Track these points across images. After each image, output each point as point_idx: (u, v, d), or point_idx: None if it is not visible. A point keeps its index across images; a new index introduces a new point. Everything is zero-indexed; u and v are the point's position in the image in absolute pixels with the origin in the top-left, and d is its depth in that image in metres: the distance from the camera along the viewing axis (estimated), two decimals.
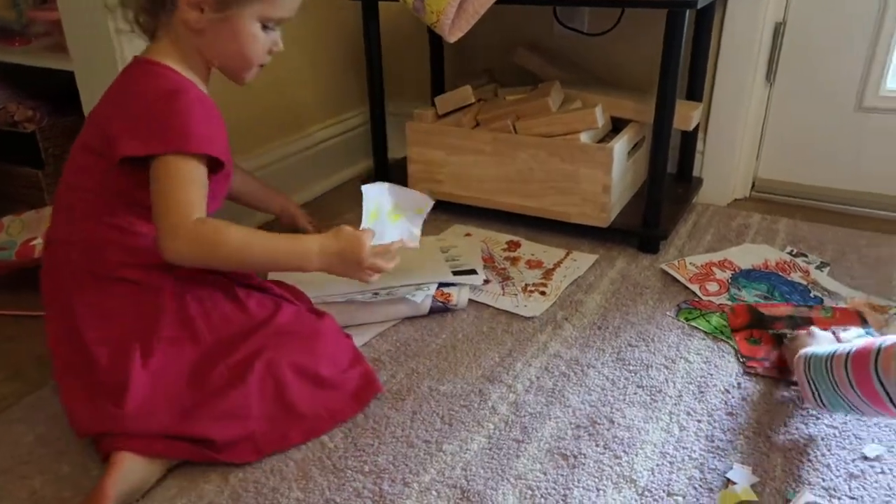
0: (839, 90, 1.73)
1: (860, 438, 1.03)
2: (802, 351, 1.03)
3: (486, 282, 1.47)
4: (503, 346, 1.27)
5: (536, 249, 1.63)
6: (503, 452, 1.02)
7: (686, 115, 1.65)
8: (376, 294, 1.31)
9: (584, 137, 1.58)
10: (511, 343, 1.28)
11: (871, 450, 1.00)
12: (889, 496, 0.92)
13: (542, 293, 1.43)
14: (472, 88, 1.75)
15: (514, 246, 1.64)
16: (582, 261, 1.57)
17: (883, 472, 0.96)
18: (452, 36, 1.49)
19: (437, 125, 1.74)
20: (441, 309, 1.34)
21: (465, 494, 0.94)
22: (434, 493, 0.94)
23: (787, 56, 1.76)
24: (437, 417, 1.09)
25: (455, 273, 1.42)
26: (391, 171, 1.91)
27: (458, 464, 1.00)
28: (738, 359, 1.21)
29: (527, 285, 1.46)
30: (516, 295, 1.43)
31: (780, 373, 1.17)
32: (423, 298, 1.32)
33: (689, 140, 1.83)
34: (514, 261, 1.57)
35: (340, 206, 1.92)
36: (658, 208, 1.57)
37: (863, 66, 1.68)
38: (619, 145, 1.57)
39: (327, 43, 1.98)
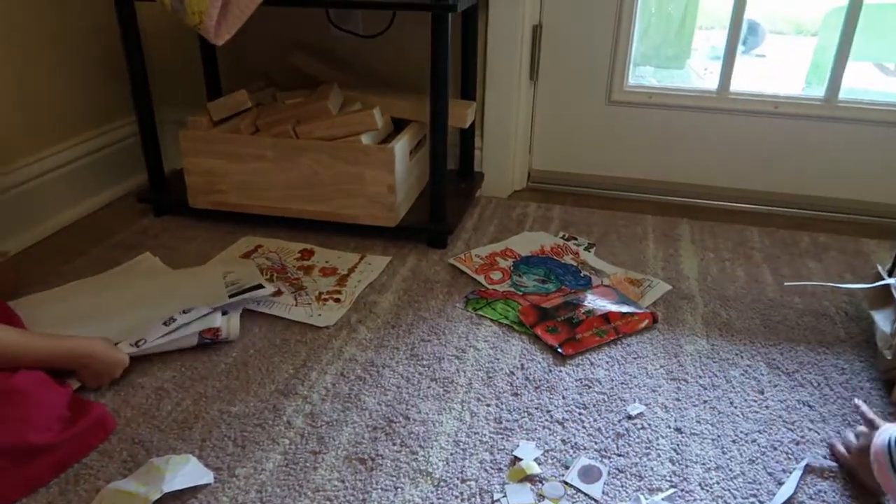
0: (592, 86, 1.91)
1: (624, 400, 1.14)
2: (879, 440, 0.87)
3: (278, 293, 1.43)
4: (297, 357, 1.24)
5: (330, 256, 1.61)
6: (300, 467, 0.99)
7: (461, 114, 1.72)
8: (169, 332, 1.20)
9: (365, 139, 1.59)
10: (305, 353, 1.26)
11: (633, 409, 1.12)
12: (648, 448, 1.04)
13: (337, 300, 1.42)
14: (248, 93, 1.68)
15: (307, 254, 1.61)
16: (376, 263, 1.58)
17: (643, 428, 1.08)
18: (219, 38, 1.42)
19: (213, 132, 1.66)
20: (209, 344, 1.26)
21: None
22: None
23: (546, 56, 1.91)
24: (229, 441, 1.04)
25: (238, 293, 1.34)
26: (168, 184, 1.79)
27: (252, 487, 0.96)
28: (554, 352, 1.28)
29: (321, 294, 1.44)
30: (310, 304, 1.40)
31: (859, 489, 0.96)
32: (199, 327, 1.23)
33: (467, 137, 1.92)
34: (307, 270, 1.54)
35: (112, 226, 1.76)
36: (442, 204, 1.63)
37: (608, 63, 1.87)
38: (400, 145, 1.60)
39: (85, 45, 1.79)
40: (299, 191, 1.64)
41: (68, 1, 1.73)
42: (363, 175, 1.59)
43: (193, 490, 0.94)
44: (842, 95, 1.78)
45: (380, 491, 0.95)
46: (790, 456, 1.03)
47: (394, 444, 1.04)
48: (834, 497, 0.95)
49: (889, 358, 1.18)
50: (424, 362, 1.24)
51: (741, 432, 1.07)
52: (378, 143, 1.61)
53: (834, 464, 1.01)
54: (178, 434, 1.05)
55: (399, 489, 0.96)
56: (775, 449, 1.04)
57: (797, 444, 1.05)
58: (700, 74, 2.47)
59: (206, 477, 0.95)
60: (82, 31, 1.78)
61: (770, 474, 0.99)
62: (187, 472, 0.94)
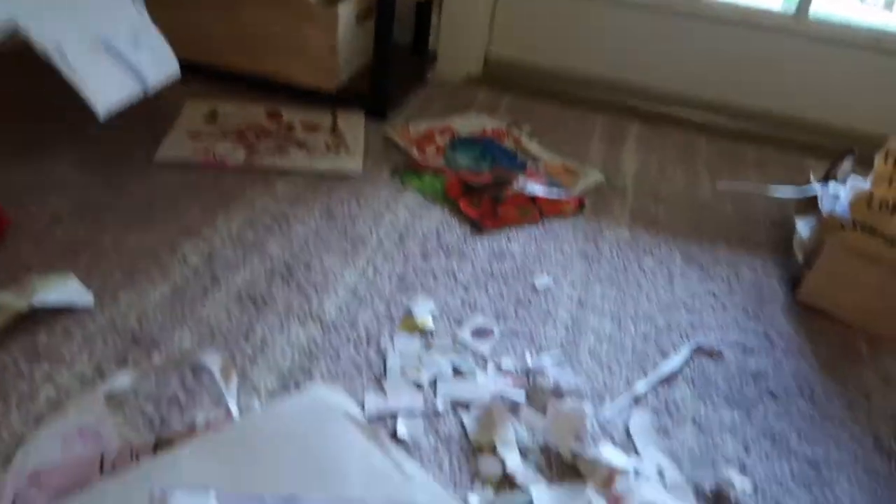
0: None
1: (533, 273, 1.13)
2: None
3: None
4: (206, 203, 1.20)
5: (301, 114, 1.54)
6: (187, 300, 0.97)
7: None
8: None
9: None
10: (216, 199, 1.21)
11: (540, 281, 1.11)
12: (546, 316, 1.03)
13: (347, 149, 1.42)
14: None
15: (275, 116, 1.53)
16: (352, 120, 1.53)
17: (546, 299, 1.07)
18: None
19: None
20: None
21: (136, 339, 0.88)
22: (100, 340, 0.87)
23: None
24: (117, 269, 1.00)
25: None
26: None
27: (132, 313, 0.93)
28: (472, 226, 1.24)
29: (328, 144, 1.43)
30: (325, 155, 1.38)
31: None
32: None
33: (423, 13, 1.83)
34: (290, 128, 1.48)
35: None
36: (385, 71, 1.56)
37: None
38: (345, 7, 1.51)
39: None
40: (240, 44, 1.55)
41: None
42: (306, 34, 1.51)
43: (69, 311, 0.91)
44: (812, 14, 1.73)
45: (265, 327, 0.93)
46: (684, 337, 1.03)
47: (289, 289, 1.01)
48: (716, 375, 0.96)
49: (801, 261, 1.18)
50: (338, 220, 1.20)
51: (642, 312, 1.07)
52: (323, 3, 1.52)
53: (722, 345, 1.01)
54: (65, 257, 1.01)
55: (286, 328, 0.94)
56: (671, 329, 1.04)
57: (693, 327, 1.05)
58: None
59: (85, 298, 0.92)
60: None
61: (660, 350, 0.99)
62: (64, 290, 0.91)
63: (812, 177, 1.36)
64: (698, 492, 0.77)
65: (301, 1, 1.49)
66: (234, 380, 0.82)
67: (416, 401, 0.84)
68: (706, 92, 1.85)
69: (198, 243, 1.09)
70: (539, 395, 0.88)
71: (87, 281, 0.96)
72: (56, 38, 1.08)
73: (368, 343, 0.93)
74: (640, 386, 0.91)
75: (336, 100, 1.59)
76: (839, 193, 1.16)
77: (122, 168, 1.25)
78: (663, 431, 0.85)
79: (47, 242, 1.04)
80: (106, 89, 1.13)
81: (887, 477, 0.82)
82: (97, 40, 1.14)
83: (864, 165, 1.24)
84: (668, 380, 0.94)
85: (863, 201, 1.05)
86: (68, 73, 1.08)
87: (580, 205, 1.35)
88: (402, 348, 0.93)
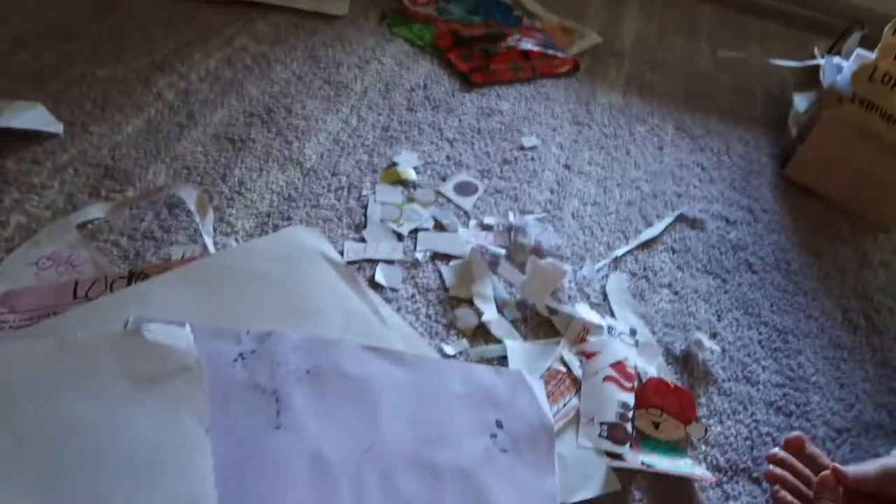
0: None
1: (521, 133, 1.10)
2: None
3: None
4: (182, 37, 1.12)
5: None
6: (162, 135, 0.93)
7: None
8: None
9: None
10: (192, 34, 1.14)
11: (528, 141, 1.08)
12: (532, 177, 1.01)
13: None
14: None
15: None
16: None
17: (532, 160, 1.05)
18: None
19: None
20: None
21: (109, 172, 0.85)
22: (71, 170, 0.84)
23: None
24: (88, 101, 0.95)
25: None
26: None
27: (105, 145, 0.89)
28: (461, 79, 1.19)
29: None
30: None
31: None
32: None
33: None
34: None
35: None
36: None
37: None
38: None
39: None
40: None
41: None
42: None
43: (38, 138, 0.87)
44: None
45: (244, 169, 0.90)
46: (668, 205, 1.02)
47: (269, 132, 0.97)
48: (696, 244, 0.96)
49: (794, 135, 1.15)
50: (322, 65, 1.14)
51: (628, 178, 1.06)
52: None
53: (705, 216, 1.01)
54: (31, 84, 0.95)
55: (265, 171, 0.91)
56: (656, 197, 1.03)
57: (679, 196, 1.04)
58: None
59: (54, 126, 0.88)
60: None
61: (643, 217, 0.99)
62: (32, 116, 0.86)
63: (816, 51, 1.31)
64: (668, 352, 0.79)
65: None
66: (210, 215, 0.80)
67: (395, 250, 0.84)
68: None
69: (173, 79, 1.03)
70: (519, 252, 0.87)
71: (56, 111, 0.91)
72: None
73: (349, 192, 0.91)
74: (620, 250, 0.91)
75: None
76: (842, 66, 1.12)
77: None
78: (639, 295, 0.86)
79: (11, 67, 0.97)
80: None
81: (850, 349, 0.85)
82: None
83: (871, 45, 1.19)
84: (649, 245, 0.94)
85: (865, 73, 1.01)
86: None
87: (575, 66, 1.29)
88: (383, 198, 0.91)
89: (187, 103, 0.99)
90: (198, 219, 0.78)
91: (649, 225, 0.98)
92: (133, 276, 0.71)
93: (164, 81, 1.02)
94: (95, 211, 0.79)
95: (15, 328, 0.64)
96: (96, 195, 0.82)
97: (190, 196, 0.80)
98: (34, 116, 0.86)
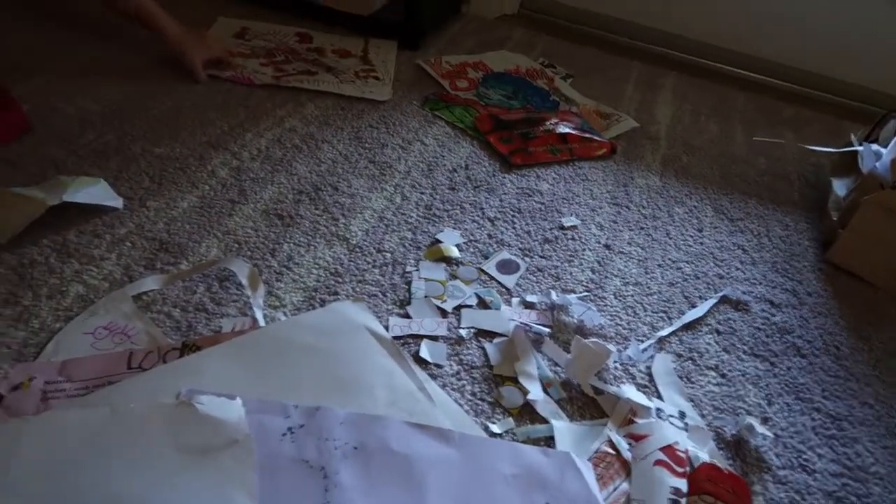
0: None
1: (561, 213, 1.11)
2: None
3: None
4: (235, 118, 1.18)
5: (332, 39, 1.51)
6: (215, 211, 0.96)
7: None
8: None
9: None
10: (244, 115, 1.19)
11: (567, 221, 1.09)
12: (572, 256, 1.02)
13: (376, 77, 1.37)
14: None
15: (306, 38, 1.50)
16: (385, 47, 1.50)
17: (573, 239, 1.06)
18: None
19: None
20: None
21: (164, 246, 0.88)
22: (129, 243, 0.87)
23: None
24: (146, 177, 1.00)
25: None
26: None
27: (161, 219, 0.92)
28: (501, 161, 1.23)
29: (357, 72, 1.38)
30: (353, 82, 1.34)
31: None
32: None
33: None
34: (320, 52, 1.45)
35: None
36: (423, 3, 1.52)
37: None
38: None
39: None
40: None
41: None
42: None
43: (99, 212, 0.90)
44: None
45: (292, 245, 0.93)
46: (710, 287, 1.02)
47: (316, 209, 1.00)
48: (741, 326, 0.95)
49: (835, 219, 1.15)
50: (367, 145, 1.18)
51: (669, 259, 1.06)
52: None
53: (748, 297, 1.00)
54: (95, 161, 1.00)
55: (312, 246, 0.93)
56: (697, 278, 1.03)
57: (721, 277, 1.04)
58: None
59: (115, 201, 0.92)
60: None
61: (686, 298, 0.98)
62: (94, 191, 0.90)
63: (853, 137, 1.33)
64: (719, 437, 0.77)
65: None
66: (261, 289, 0.82)
67: (439, 326, 0.84)
68: (745, 47, 1.80)
69: (226, 157, 1.08)
70: (563, 330, 0.87)
71: (116, 186, 0.95)
72: None
73: (394, 268, 0.93)
74: (664, 331, 0.90)
75: (368, 27, 1.55)
76: (881, 152, 1.13)
77: (150, 78, 1.23)
78: (686, 377, 0.85)
79: (78, 146, 1.03)
80: None
81: None
82: None
83: None
84: (692, 326, 0.93)
85: None
86: None
87: (612, 149, 1.32)
88: (427, 275, 0.92)
89: (239, 180, 1.03)
90: (249, 292, 0.80)
91: (692, 306, 0.97)
92: (186, 348, 0.72)
93: (217, 159, 1.06)
94: (150, 283, 0.81)
95: (71, 396, 0.65)
96: (151, 267, 0.84)
97: (242, 270, 0.82)
98: (97, 191, 0.90)
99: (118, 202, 0.92)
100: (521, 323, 0.86)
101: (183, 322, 0.78)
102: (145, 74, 1.23)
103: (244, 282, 0.81)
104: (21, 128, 1.01)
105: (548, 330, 0.86)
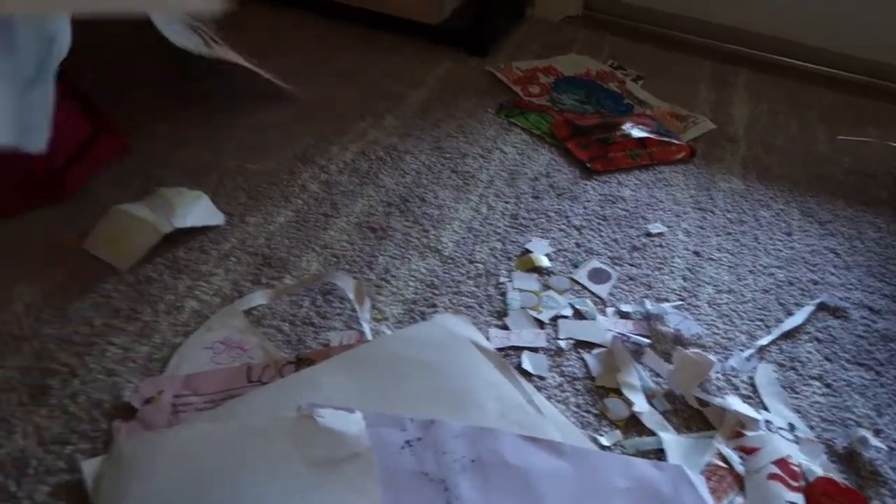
0: None
1: (646, 219, 1.11)
2: None
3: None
4: (319, 131, 1.21)
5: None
6: (310, 225, 0.98)
7: None
8: None
9: None
10: (328, 129, 1.22)
11: (654, 227, 1.09)
12: (662, 264, 1.01)
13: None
14: None
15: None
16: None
17: (661, 246, 1.05)
18: None
19: None
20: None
21: (267, 260, 0.91)
22: (233, 259, 0.90)
23: None
24: (243, 192, 1.03)
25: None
26: None
27: (261, 234, 0.95)
28: (581, 167, 1.23)
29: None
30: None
31: None
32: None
33: None
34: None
35: None
36: (491, 10, 1.52)
37: None
38: None
39: None
40: None
41: None
42: None
43: (203, 229, 0.94)
44: None
45: (387, 257, 0.95)
46: (805, 293, 1.00)
47: (406, 221, 1.02)
48: (841, 334, 0.93)
49: None
50: (448, 155, 1.20)
51: (760, 265, 1.04)
52: None
53: (846, 304, 0.98)
54: (193, 179, 1.04)
55: (407, 259, 0.95)
56: (791, 284, 1.01)
57: (815, 283, 1.02)
58: None
59: (217, 218, 0.95)
60: None
61: (781, 305, 0.97)
62: (199, 210, 0.94)
63: None
64: (830, 449, 0.76)
65: None
66: (367, 303, 0.84)
67: (538, 337, 0.85)
68: (820, 41, 1.75)
69: (314, 171, 1.10)
70: (661, 341, 0.87)
71: (215, 201, 0.99)
72: None
73: (487, 278, 0.94)
74: (763, 340, 0.89)
75: (436, 35, 1.57)
76: None
77: (236, 99, 1.26)
78: (789, 387, 0.84)
79: (174, 163, 1.07)
80: None
81: None
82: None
83: None
84: (791, 335, 0.91)
85: None
86: None
87: (691, 152, 1.30)
88: (520, 285, 0.93)
89: (330, 194, 1.05)
90: (356, 306, 0.82)
91: (788, 313, 0.95)
92: (300, 362, 0.74)
93: (307, 173, 1.09)
94: (258, 298, 0.84)
95: (199, 410, 0.68)
96: (257, 282, 0.87)
97: (347, 285, 0.84)
98: (202, 211, 0.94)
99: (220, 219, 0.95)
100: (619, 333, 0.86)
101: (293, 336, 0.80)
102: (230, 96, 1.27)
103: (350, 296, 0.83)
104: (122, 149, 1.06)
105: (646, 340, 0.86)
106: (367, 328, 0.80)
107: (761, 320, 0.94)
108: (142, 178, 1.02)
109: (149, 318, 0.80)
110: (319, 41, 1.53)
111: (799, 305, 0.97)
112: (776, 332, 0.91)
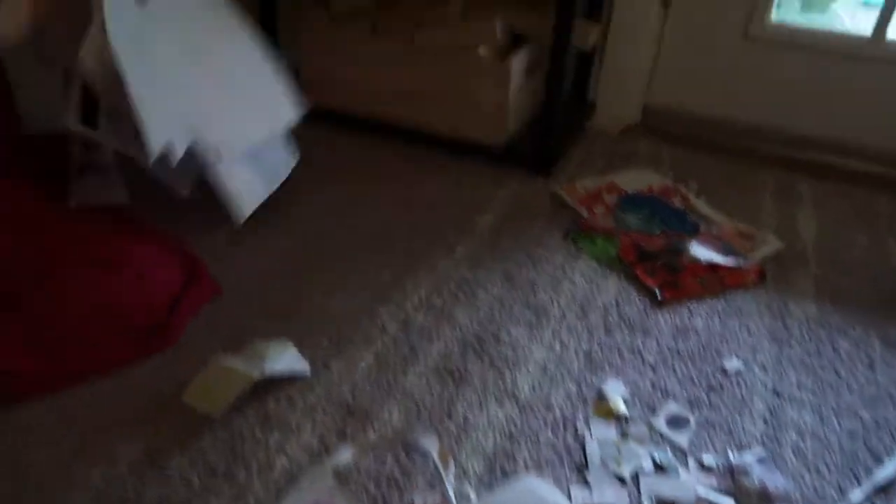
0: (729, 18, 1.76)
1: (720, 354, 1.11)
2: None
3: None
4: (394, 266, 1.26)
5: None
6: (391, 370, 1.02)
7: (583, 34, 1.63)
8: None
9: (482, 51, 1.54)
10: (401, 262, 1.27)
11: (729, 363, 1.08)
12: (742, 405, 1.01)
13: None
14: None
15: None
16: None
17: (739, 385, 1.05)
18: None
19: (334, 30, 1.64)
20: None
21: (351, 411, 0.94)
22: (320, 410, 0.94)
23: None
24: (325, 338, 1.08)
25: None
26: None
27: (345, 383, 0.99)
28: (651, 296, 1.24)
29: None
30: None
31: None
32: None
33: (585, 63, 1.83)
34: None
35: None
36: (553, 129, 1.58)
37: None
38: (518, 60, 1.55)
39: None
40: (408, 97, 1.62)
41: None
42: (477, 88, 1.55)
43: (290, 379, 0.98)
44: None
45: (465, 405, 0.97)
46: (895, 436, 0.97)
47: (482, 363, 1.05)
48: None
49: None
50: (518, 287, 1.23)
51: (844, 404, 1.02)
52: (495, 57, 1.56)
53: None
54: (280, 325, 1.09)
55: (484, 406, 0.97)
56: (879, 427, 0.99)
57: None
58: (847, 21, 2.24)
59: (304, 367, 0.99)
60: None
61: (870, 451, 0.95)
62: (287, 359, 0.98)
63: None
64: None
65: (472, 55, 1.54)
66: (452, 466, 0.86)
67: (620, 497, 0.85)
68: (884, 142, 1.74)
69: (391, 308, 1.15)
70: (746, 497, 0.86)
71: (300, 347, 1.04)
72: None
73: (565, 427, 0.95)
74: (856, 495, 0.87)
75: (498, 157, 1.62)
76: None
77: (313, 235, 1.33)
78: None
79: (261, 306, 1.13)
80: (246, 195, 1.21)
81: None
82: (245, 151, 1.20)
83: None
84: (886, 489, 0.89)
85: None
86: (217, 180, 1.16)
87: (761, 275, 1.30)
88: (599, 436, 0.93)
89: (408, 335, 1.09)
90: (441, 469, 0.84)
91: (877, 460, 0.93)
92: None
93: (385, 313, 1.13)
94: (345, 455, 0.86)
95: None
96: (342, 435, 0.90)
97: (432, 446, 0.86)
98: (289, 359, 0.98)
99: (306, 367, 1.00)
100: (703, 491, 0.85)
101: (378, 497, 0.83)
102: (309, 234, 1.34)
103: (436, 459, 0.85)
104: (213, 292, 1.12)
105: (730, 501, 0.85)
106: (450, 492, 0.82)
107: (850, 469, 0.92)
108: (229, 322, 1.08)
109: (243, 481, 0.83)
110: (385, 165, 1.60)
111: (888, 452, 0.94)
112: (867, 487, 0.88)
